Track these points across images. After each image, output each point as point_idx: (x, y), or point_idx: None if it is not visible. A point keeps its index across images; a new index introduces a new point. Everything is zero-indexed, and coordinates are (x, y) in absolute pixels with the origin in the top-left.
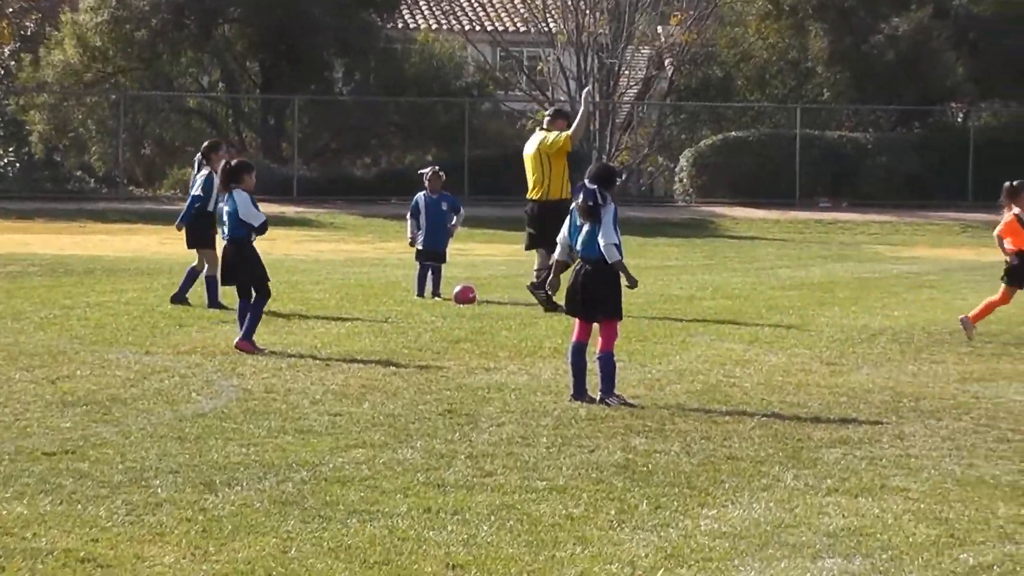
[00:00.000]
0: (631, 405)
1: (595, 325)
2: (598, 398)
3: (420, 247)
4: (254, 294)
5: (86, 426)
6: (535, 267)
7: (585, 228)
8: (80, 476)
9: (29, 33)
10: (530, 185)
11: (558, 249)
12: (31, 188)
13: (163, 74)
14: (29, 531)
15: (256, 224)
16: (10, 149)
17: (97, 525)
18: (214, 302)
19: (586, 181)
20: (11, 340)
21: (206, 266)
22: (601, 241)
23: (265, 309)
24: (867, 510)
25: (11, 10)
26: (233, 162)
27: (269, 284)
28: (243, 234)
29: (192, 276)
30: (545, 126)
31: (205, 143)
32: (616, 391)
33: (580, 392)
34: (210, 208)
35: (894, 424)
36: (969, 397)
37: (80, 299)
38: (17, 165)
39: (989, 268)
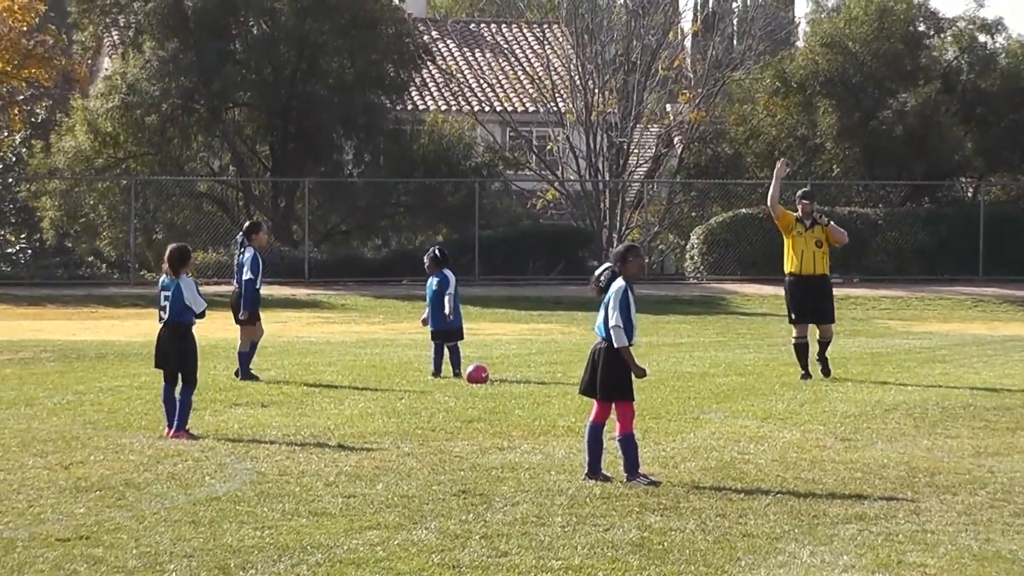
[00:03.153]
0: (656, 483)
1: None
2: (625, 479)
3: (430, 327)
4: (180, 383)
5: (100, 511)
6: None
7: (602, 308)
8: (94, 562)
9: (40, 120)
10: None
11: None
12: (43, 274)
13: (174, 159)
14: None
15: (198, 311)
16: (22, 236)
17: None
18: (247, 372)
19: (610, 267)
20: (24, 426)
21: (239, 341)
22: (611, 322)
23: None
24: None
25: (22, 97)
26: (178, 247)
27: (198, 374)
28: (187, 320)
29: (246, 356)
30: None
31: (247, 223)
32: (645, 473)
33: (595, 470)
34: (258, 286)
35: (910, 499)
36: (984, 471)
37: (93, 384)
38: (29, 252)
39: (1001, 342)
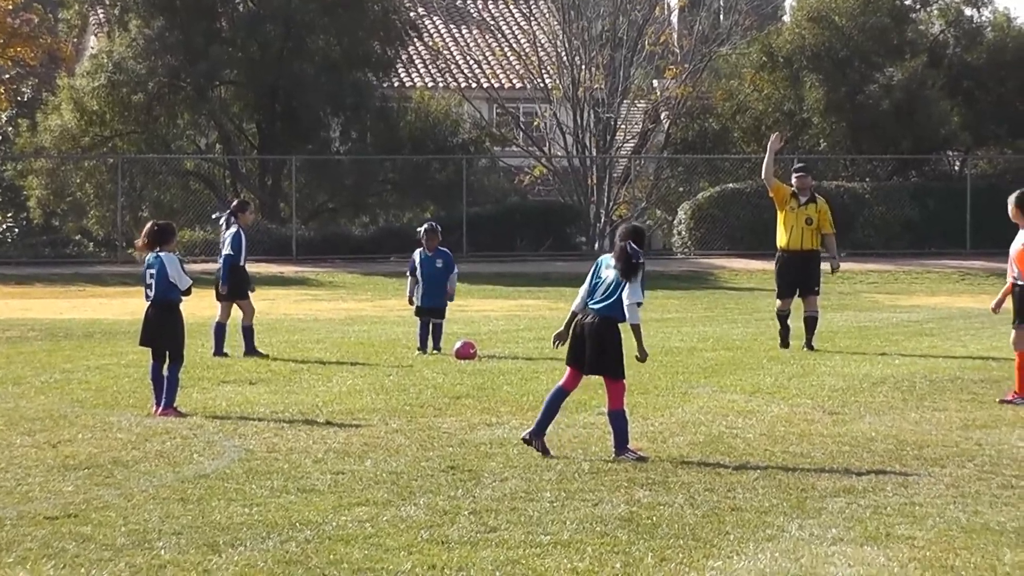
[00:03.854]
0: (644, 459)
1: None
2: (614, 455)
3: (419, 304)
4: (168, 360)
5: (88, 489)
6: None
7: (607, 282)
8: (83, 540)
9: (26, 99)
10: None
11: (576, 300)
12: (29, 253)
13: (160, 137)
14: None
15: (183, 287)
16: (8, 215)
17: None
18: (251, 350)
19: (629, 241)
20: (12, 405)
21: (241, 315)
22: (626, 300)
23: (268, 366)
24: (873, 559)
25: (8, 76)
26: (159, 224)
27: (184, 352)
28: (173, 297)
29: (219, 330)
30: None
31: (235, 202)
32: (634, 449)
33: (539, 432)
34: (241, 262)
35: (898, 472)
36: (972, 444)
37: (80, 363)
38: (15, 231)
39: (988, 315)
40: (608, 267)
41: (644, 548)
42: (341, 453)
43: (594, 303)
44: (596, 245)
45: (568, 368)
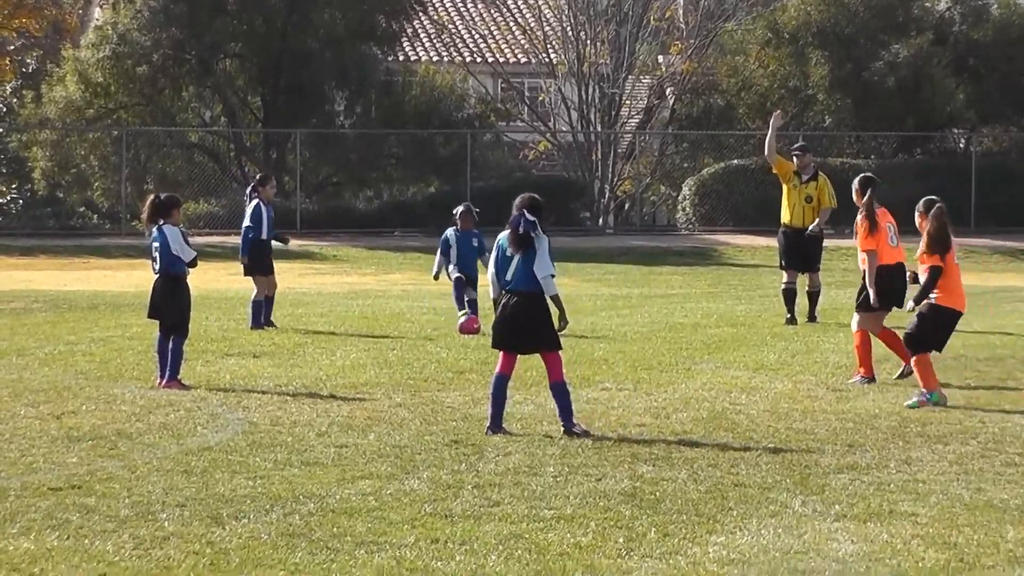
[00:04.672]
0: (588, 434)
1: (520, 358)
2: (562, 431)
3: (458, 275)
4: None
5: (92, 461)
6: None
7: (516, 259)
8: (87, 511)
9: (31, 70)
10: None
11: (490, 288)
12: (34, 225)
13: (165, 109)
14: (36, 567)
15: (188, 259)
16: (13, 186)
17: (104, 560)
18: (257, 323)
19: (524, 211)
20: (16, 376)
21: (255, 290)
22: (539, 273)
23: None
24: (876, 535)
25: (12, 47)
26: (161, 197)
27: (190, 324)
28: (179, 270)
29: (257, 306)
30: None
31: (257, 176)
32: (578, 421)
33: (497, 425)
34: (263, 236)
35: (901, 449)
36: (976, 422)
37: (84, 335)
38: (20, 202)
39: (992, 293)
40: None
41: (647, 523)
42: (345, 426)
43: (510, 284)
44: (600, 221)
45: (501, 353)
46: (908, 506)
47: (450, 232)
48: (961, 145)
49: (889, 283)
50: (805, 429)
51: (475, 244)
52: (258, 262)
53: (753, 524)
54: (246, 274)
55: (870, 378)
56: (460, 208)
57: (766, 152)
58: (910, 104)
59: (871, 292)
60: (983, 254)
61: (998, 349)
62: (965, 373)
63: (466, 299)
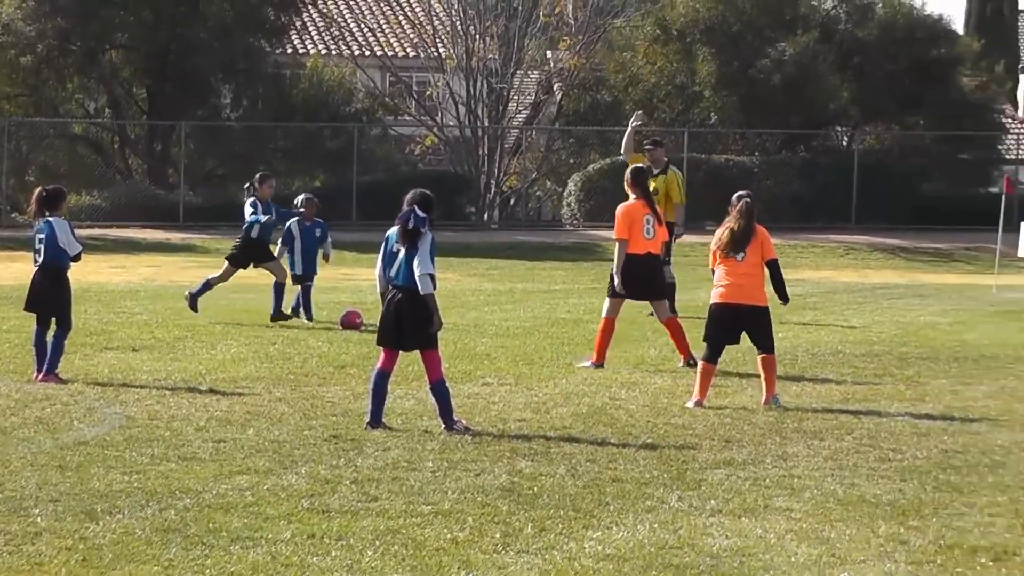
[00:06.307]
0: (471, 431)
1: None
2: (442, 428)
3: (298, 272)
4: (55, 326)
5: None
6: None
7: (401, 255)
8: None
9: None
10: None
11: (377, 283)
12: None
13: (48, 100)
14: None
15: (73, 253)
16: None
17: None
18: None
19: (415, 207)
20: None
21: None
22: (417, 270)
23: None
24: (750, 530)
25: None
26: (48, 189)
27: (72, 318)
28: (63, 262)
29: (279, 289)
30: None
31: (258, 174)
32: (459, 416)
33: (377, 420)
34: (262, 220)
35: (778, 445)
36: (851, 417)
37: None
38: None
39: (871, 290)
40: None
41: (524, 518)
42: (223, 421)
43: (398, 279)
44: (485, 216)
45: (382, 350)
46: (783, 501)
47: (293, 223)
48: (844, 143)
49: (639, 271)
50: (683, 424)
51: (317, 234)
52: (264, 251)
53: (629, 519)
54: (257, 266)
55: (599, 364)
56: (302, 197)
57: (623, 150)
58: (795, 101)
59: (616, 279)
60: (863, 251)
61: (875, 345)
62: (841, 369)
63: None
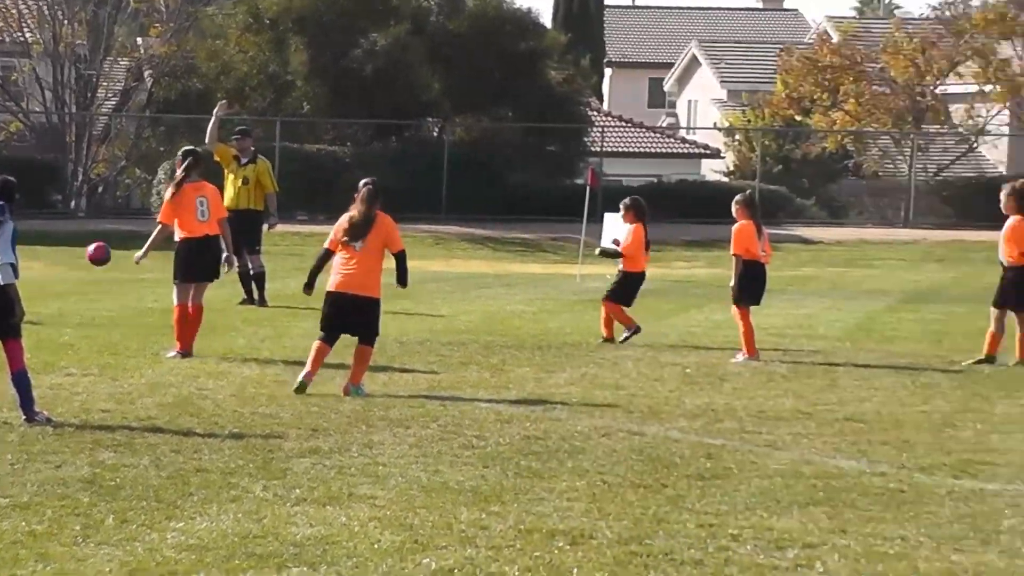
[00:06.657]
0: (51, 421)
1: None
2: (22, 419)
3: None
4: None
5: None
6: None
7: None
8: None
9: None
10: None
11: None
12: None
13: None
14: None
15: None
16: None
17: None
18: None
19: None
20: None
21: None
22: (6, 259)
23: None
24: (334, 519)
25: None
26: None
27: None
28: None
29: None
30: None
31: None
32: (40, 408)
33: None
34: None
35: (364, 433)
36: (437, 405)
37: None
38: None
39: (458, 279)
40: None
41: (105, 510)
42: None
43: None
44: (72, 204)
45: None
46: (367, 489)
47: None
48: (435, 133)
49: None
50: (270, 414)
51: None
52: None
53: (213, 509)
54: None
55: (185, 352)
56: None
57: (207, 139)
58: (387, 92)
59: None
60: (452, 240)
61: (462, 334)
62: (428, 357)
63: None
